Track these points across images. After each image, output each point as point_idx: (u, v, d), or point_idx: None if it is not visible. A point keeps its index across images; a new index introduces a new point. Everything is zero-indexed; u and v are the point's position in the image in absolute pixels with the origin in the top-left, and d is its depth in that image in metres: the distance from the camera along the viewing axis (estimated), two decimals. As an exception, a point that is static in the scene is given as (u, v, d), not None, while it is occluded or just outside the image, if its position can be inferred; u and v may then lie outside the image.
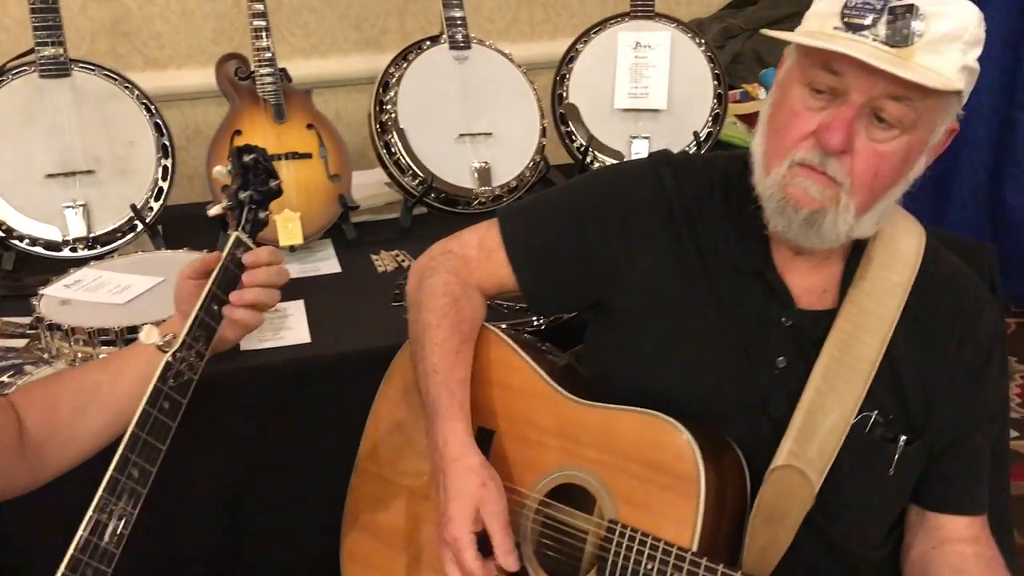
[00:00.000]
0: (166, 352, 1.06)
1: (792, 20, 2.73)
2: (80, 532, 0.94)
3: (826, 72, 1.02)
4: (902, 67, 0.96)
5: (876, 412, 1.11)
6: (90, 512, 0.95)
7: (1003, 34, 2.86)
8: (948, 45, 0.99)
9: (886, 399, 1.12)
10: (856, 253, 1.16)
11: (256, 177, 1.20)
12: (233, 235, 1.16)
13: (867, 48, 0.98)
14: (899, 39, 0.98)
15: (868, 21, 0.99)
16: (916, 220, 1.20)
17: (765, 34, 1.13)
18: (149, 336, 1.05)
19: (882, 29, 0.99)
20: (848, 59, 0.98)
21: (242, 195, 1.18)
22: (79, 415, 1.15)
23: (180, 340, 1.07)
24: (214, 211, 1.19)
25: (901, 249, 1.16)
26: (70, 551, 0.93)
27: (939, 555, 1.15)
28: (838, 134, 1.01)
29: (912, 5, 0.98)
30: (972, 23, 1.00)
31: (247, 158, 1.19)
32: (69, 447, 1.15)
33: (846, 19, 1.01)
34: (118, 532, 0.97)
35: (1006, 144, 2.99)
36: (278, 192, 1.23)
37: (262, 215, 1.20)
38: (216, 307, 1.11)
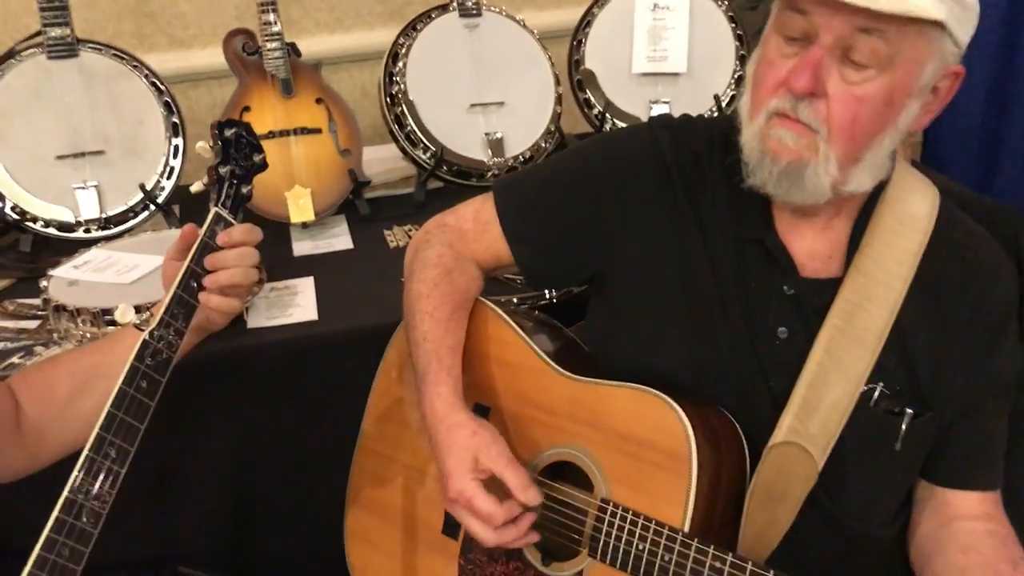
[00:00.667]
0: (143, 330, 1.05)
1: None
2: (55, 512, 0.94)
3: (794, 13, 0.98)
4: None
5: (881, 384, 1.06)
6: (65, 493, 0.95)
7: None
8: None
9: (893, 371, 1.06)
10: (864, 216, 1.10)
11: (239, 152, 1.18)
12: (213, 210, 1.14)
13: None
14: None
15: None
16: (929, 180, 1.13)
17: None
18: (125, 315, 1.05)
19: None
20: None
21: (222, 170, 1.17)
22: (76, 397, 1.16)
23: (157, 318, 1.06)
24: (196, 187, 1.19)
25: (911, 212, 1.09)
26: (44, 534, 0.93)
27: (948, 533, 1.09)
28: (804, 75, 0.97)
29: None
30: None
31: (228, 132, 1.18)
32: (67, 429, 1.16)
33: None
34: (95, 511, 0.96)
35: (1060, 103, 2.85)
36: (262, 166, 1.21)
37: (245, 189, 1.19)
38: (195, 284, 1.10)
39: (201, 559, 1.51)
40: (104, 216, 1.76)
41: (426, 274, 1.22)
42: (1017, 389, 1.11)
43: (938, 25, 0.94)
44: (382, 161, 2.13)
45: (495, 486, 1.06)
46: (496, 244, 1.25)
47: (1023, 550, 1.06)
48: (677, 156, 1.17)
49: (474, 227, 1.27)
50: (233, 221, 1.15)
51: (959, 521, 1.09)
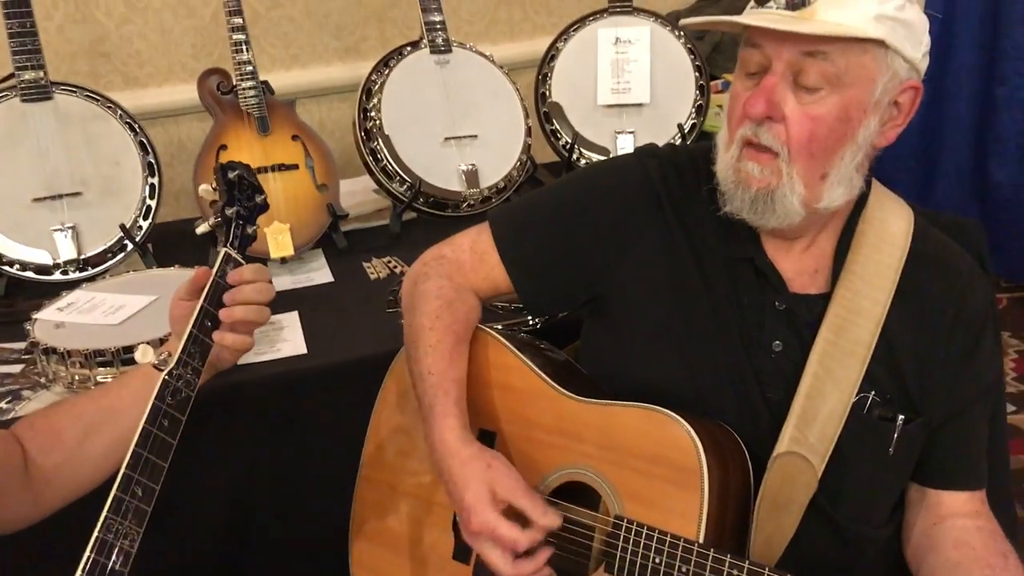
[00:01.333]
0: (162, 370, 1.06)
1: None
2: (87, 553, 0.94)
3: (751, 48, 1.07)
4: (798, 24, 1.00)
5: (873, 392, 1.12)
6: (96, 533, 0.95)
7: (980, 13, 2.88)
8: None
9: (883, 379, 1.13)
10: (846, 234, 1.17)
11: (242, 193, 1.20)
12: (222, 251, 1.16)
13: (769, 16, 1.04)
14: (797, 1, 1.03)
15: None
16: (903, 201, 1.21)
17: (683, 23, 1.20)
18: (145, 355, 1.05)
19: None
20: (761, 31, 1.04)
21: (229, 211, 1.18)
22: (83, 441, 1.15)
23: (176, 358, 1.07)
24: (202, 228, 1.20)
25: (890, 230, 1.16)
26: (78, 573, 0.93)
27: (940, 531, 1.15)
28: (759, 101, 1.05)
29: None
30: None
31: (231, 175, 1.20)
32: (75, 474, 1.15)
33: None
34: (125, 551, 0.97)
35: (988, 121, 3.01)
36: (264, 207, 1.23)
37: (250, 230, 1.21)
38: (209, 323, 1.11)
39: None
40: (83, 257, 1.75)
41: (427, 307, 1.25)
42: (996, 392, 1.19)
43: (881, 44, 1.03)
44: (353, 194, 2.16)
45: (512, 516, 1.09)
46: (494, 273, 1.29)
47: (1010, 544, 1.13)
48: (666, 183, 1.23)
49: (471, 257, 1.30)
50: (242, 261, 1.17)
51: (950, 519, 1.16)
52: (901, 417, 1.12)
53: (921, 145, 3.11)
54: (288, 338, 1.63)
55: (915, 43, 1.06)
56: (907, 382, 1.13)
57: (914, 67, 1.07)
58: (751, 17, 1.05)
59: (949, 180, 3.16)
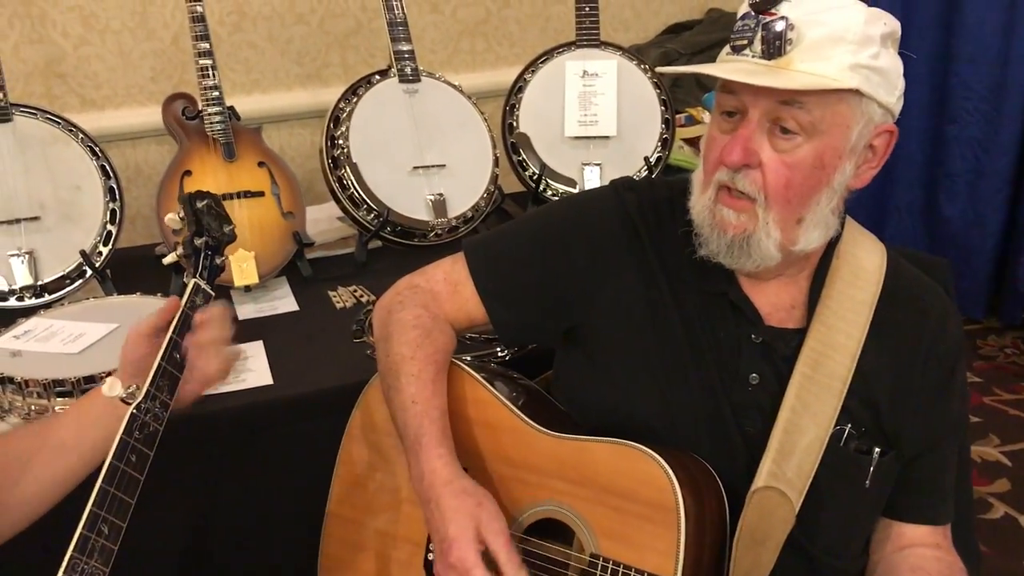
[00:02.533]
0: (130, 404, 1.03)
1: (726, 44, 2.80)
2: (51, 596, 0.91)
3: (727, 94, 1.08)
4: (774, 76, 1.02)
5: (849, 425, 1.13)
6: (60, 574, 0.92)
7: (929, 54, 2.97)
8: (830, 49, 1.03)
9: (859, 413, 1.14)
10: (821, 270, 1.18)
11: (210, 224, 1.18)
12: (191, 282, 1.14)
13: (745, 65, 1.05)
14: (773, 51, 1.04)
15: (746, 41, 1.06)
16: (875, 237, 1.23)
17: (659, 71, 1.19)
18: (112, 388, 1.03)
19: (758, 45, 1.05)
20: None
21: (197, 241, 1.16)
22: (18, 479, 1.09)
23: (144, 391, 1.04)
24: (169, 259, 1.18)
25: (863, 266, 1.18)
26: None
27: (899, 557, 1.17)
28: (735, 150, 1.06)
29: (783, 17, 1.03)
30: (855, 24, 1.03)
31: (200, 204, 1.18)
32: (16, 511, 1.09)
33: (731, 43, 1.08)
34: (90, 593, 0.93)
35: (939, 158, 3.10)
36: (232, 237, 1.22)
37: (219, 260, 1.19)
38: (178, 355, 1.09)
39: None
40: (39, 284, 1.70)
41: (406, 336, 1.23)
42: (963, 427, 1.21)
43: (856, 92, 1.04)
44: (317, 222, 2.13)
45: (487, 558, 1.07)
46: (468, 304, 1.28)
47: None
48: (643, 215, 1.23)
49: (446, 288, 1.29)
50: (211, 292, 1.15)
51: (911, 548, 1.18)
52: (877, 450, 1.13)
53: (874, 181, 3.18)
54: (253, 368, 1.60)
55: (889, 88, 1.07)
56: (881, 415, 1.15)
57: (889, 111, 1.09)
58: (727, 69, 1.05)
59: (900, 215, 3.24)
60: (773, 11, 1.04)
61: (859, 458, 1.13)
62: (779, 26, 1.03)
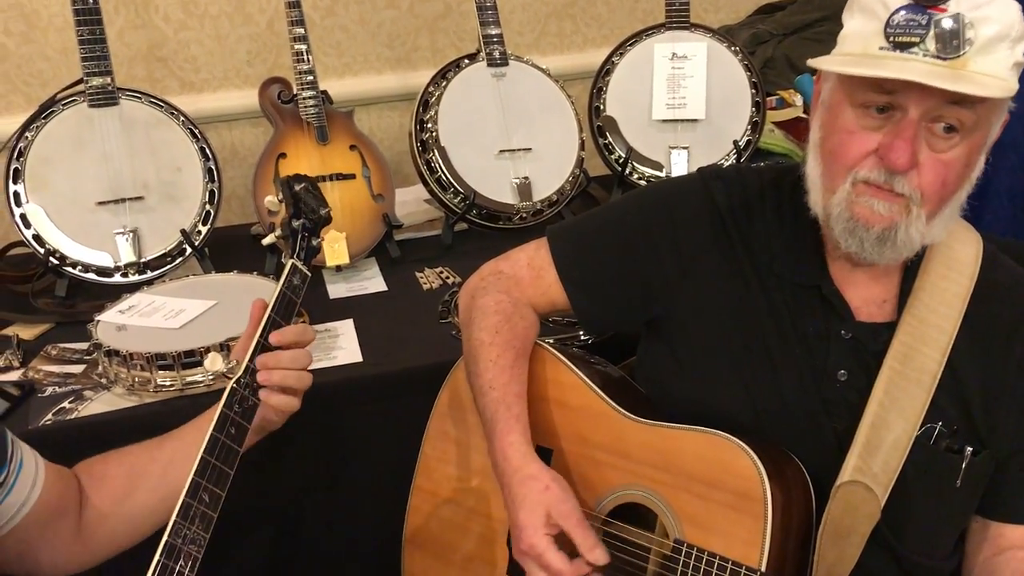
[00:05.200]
0: (230, 378, 1.07)
1: (821, 25, 2.71)
2: (157, 557, 0.96)
3: (877, 92, 1.01)
4: (959, 81, 0.96)
5: (940, 424, 1.10)
6: (165, 537, 0.97)
7: None
8: (997, 45, 0.98)
9: (950, 410, 1.11)
10: (914, 263, 1.15)
11: (307, 206, 1.22)
12: (289, 262, 1.18)
13: (920, 66, 0.97)
14: (950, 51, 0.97)
15: (916, 38, 0.98)
16: (971, 227, 1.19)
17: (811, 64, 1.08)
18: (214, 363, 1.08)
19: (931, 43, 0.98)
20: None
21: (295, 223, 1.20)
22: (131, 494, 1.15)
23: (243, 366, 1.09)
24: (268, 239, 1.22)
25: (958, 258, 1.15)
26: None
27: (1000, 562, 1.14)
28: (903, 154, 1.00)
29: (957, 14, 0.97)
30: (1016, 18, 0.99)
31: (298, 187, 1.22)
32: (125, 523, 1.15)
33: (892, 39, 1.00)
34: (192, 556, 0.98)
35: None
36: (328, 220, 1.25)
37: (314, 242, 1.23)
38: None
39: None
40: (142, 261, 1.78)
41: (486, 322, 1.25)
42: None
43: None
44: (404, 204, 2.17)
45: (564, 540, 1.09)
46: (552, 290, 1.29)
47: None
48: (731, 205, 1.22)
49: (529, 273, 1.31)
50: (308, 272, 1.19)
51: (1011, 551, 1.14)
52: (969, 449, 1.10)
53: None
54: (344, 345, 1.64)
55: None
56: (973, 412, 1.12)
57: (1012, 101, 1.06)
58: (903, 69, 0.97)
59: (1002, 202, 3.10)
60: (943, 6, 0.97)
61: (950, 457, 1.11)
62: (954, 23, 0.97)
